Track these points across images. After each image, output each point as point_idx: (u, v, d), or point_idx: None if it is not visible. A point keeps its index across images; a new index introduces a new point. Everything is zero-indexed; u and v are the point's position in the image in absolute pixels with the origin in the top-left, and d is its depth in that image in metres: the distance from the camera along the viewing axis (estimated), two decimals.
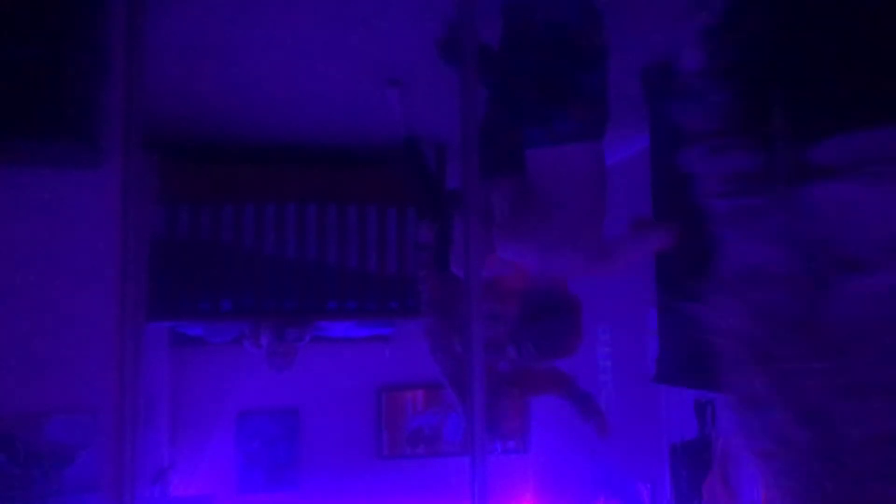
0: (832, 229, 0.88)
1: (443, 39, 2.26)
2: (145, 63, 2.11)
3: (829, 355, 0.85)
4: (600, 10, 1.94)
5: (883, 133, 0.90)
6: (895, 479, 0.81)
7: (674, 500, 3.17)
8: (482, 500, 1.98)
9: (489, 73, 2.03)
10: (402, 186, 3.55)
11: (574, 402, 2.81)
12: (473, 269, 2.03)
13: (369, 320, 4.08)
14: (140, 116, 2.09)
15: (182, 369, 4.68)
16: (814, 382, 0.87)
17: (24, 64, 1.78)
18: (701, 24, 1.16)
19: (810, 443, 0.88)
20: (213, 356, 4.64)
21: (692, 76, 1.15)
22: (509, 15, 2.01)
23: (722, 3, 1.11)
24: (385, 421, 5.00)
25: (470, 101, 2.10)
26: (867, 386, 0.82)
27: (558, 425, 4.75)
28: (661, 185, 2.82)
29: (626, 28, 2.52)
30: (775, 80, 1.02)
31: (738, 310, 1.02)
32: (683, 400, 3.13)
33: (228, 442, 4.82)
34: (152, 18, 2.15)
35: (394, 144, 3.33)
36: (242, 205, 3.79)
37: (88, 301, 1.98)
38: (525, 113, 1.95)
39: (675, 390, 3.12)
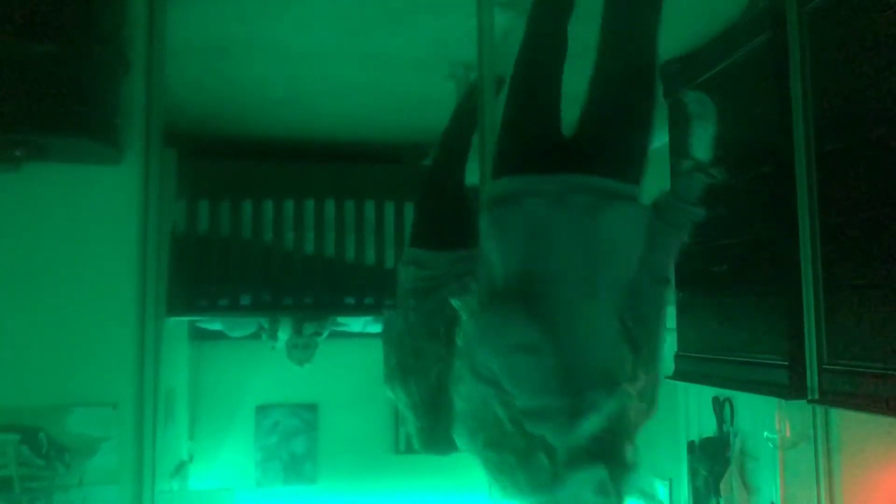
0: None
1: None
2: (165, 60, 2.13)
3: None
4: None
5: None
6: None
7: (691, 497, 3.15)
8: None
9: None
10: None
11: None
12: None
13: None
14: (160, 113, 2.10)
15: (201, 363, 4.71)
16: None
17: (45, 61, 1.80)
18: None
19: None
20: (232, 351, 4.67)
21: None
22: None
23: None
24: (403, 416, 5.00)
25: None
26: None
27: None
28: None
29: None
30: None
31: None
32: (702, 397, 3.11)
33: (247, 436, 4.85)
34: (172, 15, 2.16)
35: None
36: (261, 201, 3.81)
37: (109, 296, 2.00)
38: None
39: (694, 387, 3.10)
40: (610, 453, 1.54)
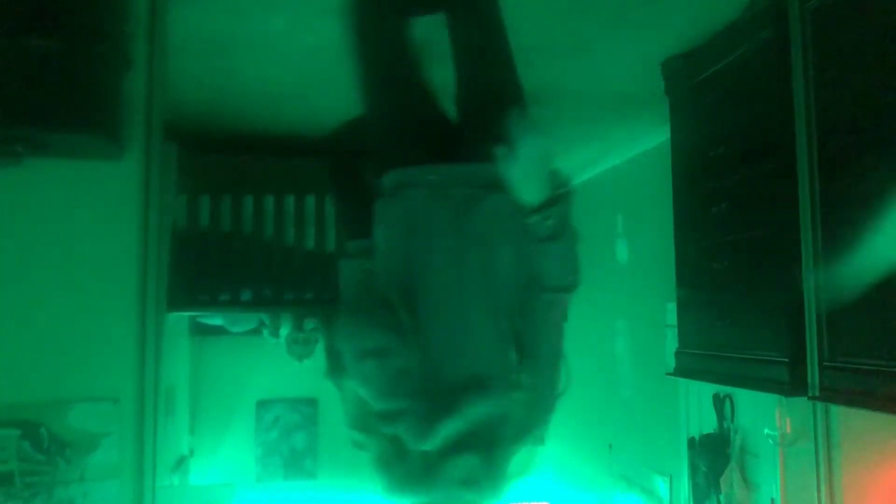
0: None
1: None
2: (166, 56, 2.13)
3: None
4: None
5: None
6: None
7: (691, 493, 3.16)
8: None
9: None
10: None
11: None
12: None
13: None
14: (161, 108, 2.10)
15: (202, 359, 4.72)
16: None
17: (47, 57, 1.80)
18: None
19: None
20: (233, 346, 4.68)
21: None
22: None
23: None
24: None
25: None
26: None
27: (574, 417, 4.75)
28: (681, 176, 2.80)
29: (646, 19, 2.51)
30: None
31: None
32: (702, 393, 3.12)
33: (247, 431, 4.85)
34: (173, 11, 2.16)
35: None
36: (262, 196, 3.81)
37: (110, 291, 2.00)
38: None
39: (694, 384, 3.10)
40: (488, 464, 1.51)
